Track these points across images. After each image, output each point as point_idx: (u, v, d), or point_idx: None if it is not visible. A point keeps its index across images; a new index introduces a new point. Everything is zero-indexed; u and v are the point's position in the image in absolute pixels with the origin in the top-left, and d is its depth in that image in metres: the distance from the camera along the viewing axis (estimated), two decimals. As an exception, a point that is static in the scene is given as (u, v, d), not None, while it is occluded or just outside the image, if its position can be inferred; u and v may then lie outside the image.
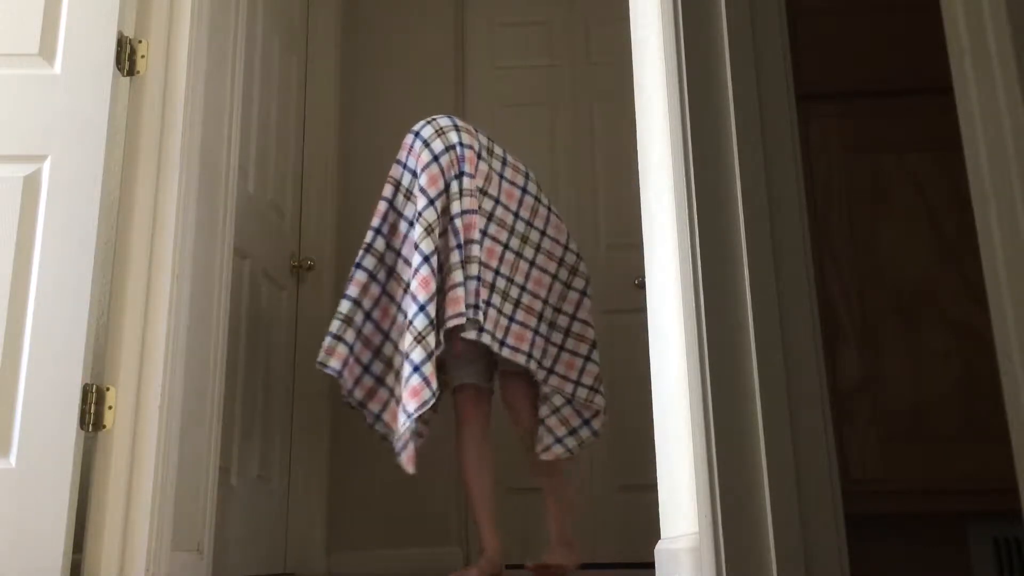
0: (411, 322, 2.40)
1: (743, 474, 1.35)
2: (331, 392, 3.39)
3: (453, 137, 2.58)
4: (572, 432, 2.66)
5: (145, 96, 2.13)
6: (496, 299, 2.53)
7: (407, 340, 2.40)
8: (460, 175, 2.55)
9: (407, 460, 2.43)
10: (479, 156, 2.60)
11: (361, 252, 2.56)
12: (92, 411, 1.92)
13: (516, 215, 2.64)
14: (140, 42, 2.16)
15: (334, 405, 3.40)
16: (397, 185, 2.62)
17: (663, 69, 1.73)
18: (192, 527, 2.14)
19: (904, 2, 1.55)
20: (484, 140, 2.68)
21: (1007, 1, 0.77)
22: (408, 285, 2.48)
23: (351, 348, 2.50)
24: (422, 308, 2.40)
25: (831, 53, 1.54)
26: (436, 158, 2.54)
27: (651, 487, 2.33)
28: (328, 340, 2.49)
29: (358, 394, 2.55)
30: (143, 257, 2.05)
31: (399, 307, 2.55)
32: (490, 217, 2.58)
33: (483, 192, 2.58)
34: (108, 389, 1.96)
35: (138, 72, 2.14)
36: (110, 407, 1.95)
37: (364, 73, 3.80)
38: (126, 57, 2.13)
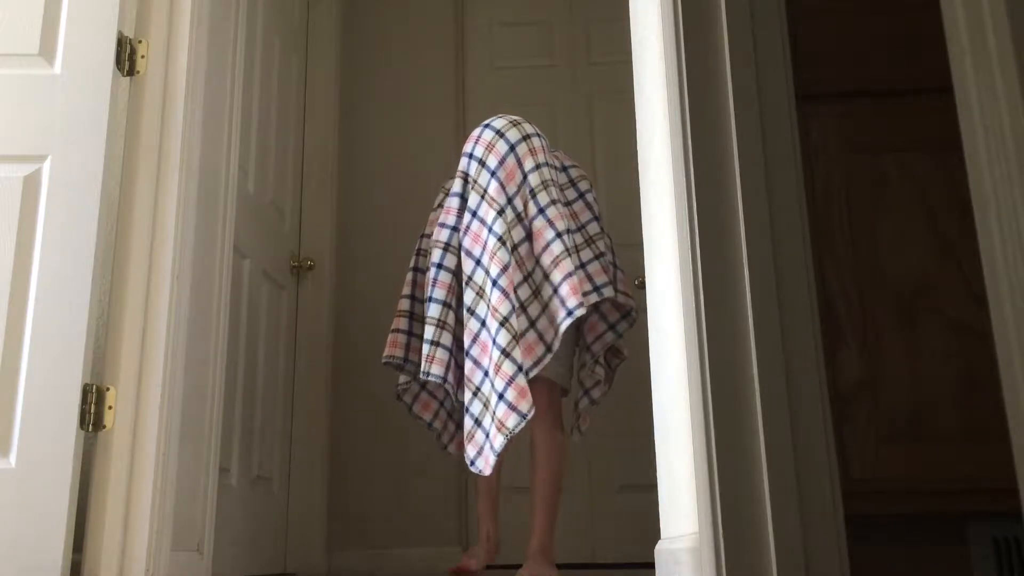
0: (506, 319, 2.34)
1: (743, 474, 1.35)
2: (331, 392, 3.40)
3: (528, 128, 2.62)
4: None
5: (145, 96, 2.13)
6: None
7: (502, 337, 2.30)
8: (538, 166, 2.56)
9: (489, 463, 2.32)
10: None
11: (440, 252, 2.51)
12: (92, 411, 1.92)
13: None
14: (140, 42, 2.16)
15: (334, 405, 3.40)
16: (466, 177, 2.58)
17: (663, 69, 1.73)
18: (192, 527, 2.14)
19: (904, 2, 1.55)
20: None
21: (1007, 1, 0.77)
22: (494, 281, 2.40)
23: (450, 351, 2.46)
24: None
25: (831, 53, 1.54)
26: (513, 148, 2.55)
27: (651, 487, 2.33)
28: (427, 347, 2.43)
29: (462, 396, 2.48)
30: (143, 257, 2.05)
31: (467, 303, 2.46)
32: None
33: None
34: (108, 389, 1.96)
35: (138, 72, 2.14)
36: (110, 407, 1.95)
37: (364, 73, 3.80)
38: (126, 57, 2.13)
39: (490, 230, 2.42)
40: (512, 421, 2.23)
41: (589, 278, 2.45)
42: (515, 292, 2.35)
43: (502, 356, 2.27)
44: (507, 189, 2.46)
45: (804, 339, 1.39)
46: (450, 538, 3.37)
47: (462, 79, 3.86)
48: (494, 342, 2.30)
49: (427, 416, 2.70)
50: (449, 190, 2.65)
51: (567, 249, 2.40)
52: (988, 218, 0.81)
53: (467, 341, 2.37)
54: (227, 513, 2.49)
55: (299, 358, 3.27)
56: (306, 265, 3.38)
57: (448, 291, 2.47)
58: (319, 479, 3.28)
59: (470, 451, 2.33)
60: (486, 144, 2.55)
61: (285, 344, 3.18)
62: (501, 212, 2.42)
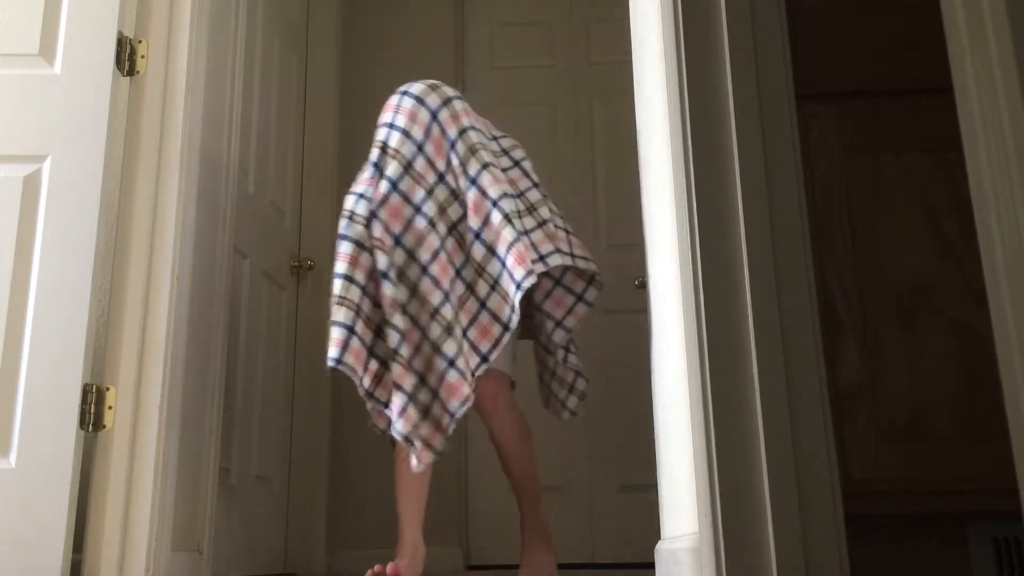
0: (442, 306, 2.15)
1: (743, 474, 1.35)
2: (331, 392, 3.40)
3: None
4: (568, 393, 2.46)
5: (145, 96, 2.13)
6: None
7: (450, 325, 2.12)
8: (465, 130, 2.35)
9: (422, 457, 2.07)
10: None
11: (344, 222, 2.22)
12: (92, 411, 1.92)
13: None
14: (140, 42, 2.16)
15: (334, 405, 3.40)
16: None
17: (663, 69, 1.73)
18: (192, 527, 2.14)
19: (904, 2, 1.55)
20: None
21: (1007, 1, 0.77)
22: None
23: (351, 331, 2.12)
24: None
25: (831, 53, 1.54)
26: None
27: (651, 487, 2.33)
28: (335, 330, 2.11)
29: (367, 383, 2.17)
30: (143, 257, 2.05)
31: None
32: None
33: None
34: (108, 389, 1.96)
35: (138, 72, 2.14)
36: (110, 407, 1.95)
37: (364, 73, 3.80)
38: (126, 57, 2.13)
39: (418, 211, 2.20)
40: (446, 420, 2.11)
41: (533, 247, 2.20)
42: (458, 276, 2.20)
43: (431, 350, 2.12)
44: (436, 164, 2.27)
45: (804, 339, 1.39)
46: (450, 538, 3.37)
47: (462, 79, 3.86)
48: (425, 335, 2.13)
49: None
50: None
51: (506, 216, 2.20)
52: (988, 218, 0.81)
53: (401, 324, 2.12)
54: (227, 513, 2.49)
55: (299, 358, 3.27)
56: (306, 265, 3.38)
57: (351, 264, 2.17)
58: (319, 479, 3.28)
59: (412, 440, 2.07)
60: (408, 114, 2.31)
61: (285, 344, 3.18)
62: (431, 192, 2.23)
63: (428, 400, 2.11)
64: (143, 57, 2.15)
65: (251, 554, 2.75)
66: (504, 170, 2.38)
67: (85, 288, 1.93)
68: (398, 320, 2.11)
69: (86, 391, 1.91)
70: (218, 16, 2.39)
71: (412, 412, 2.07)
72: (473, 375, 2.14)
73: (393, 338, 2.10)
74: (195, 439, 2.17)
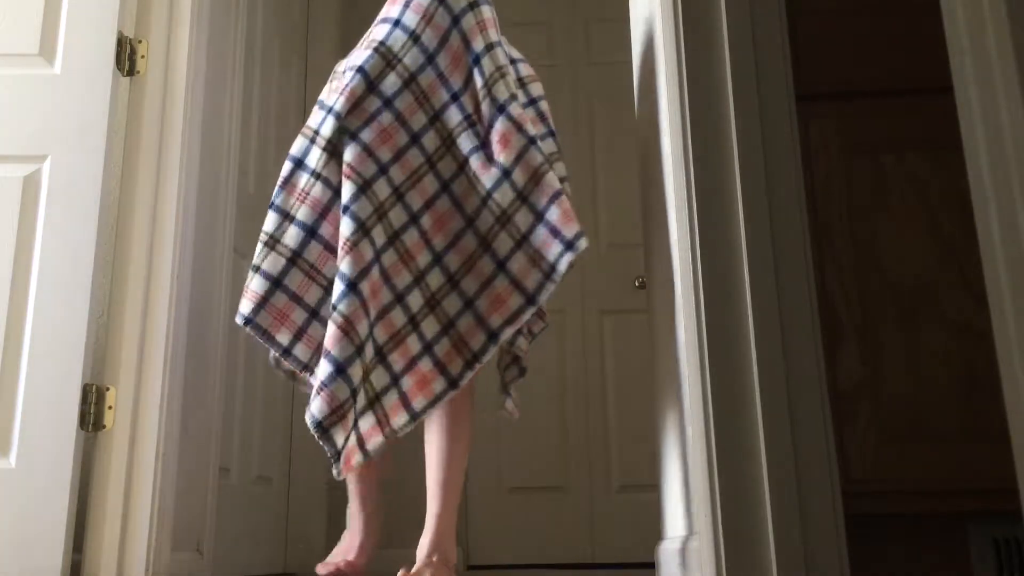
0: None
1: (743, 474, 1.35)
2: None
3: None
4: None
5: (145, 96, 2.13)
6: None
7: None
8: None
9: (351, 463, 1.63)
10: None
11: (304, 144, 1.82)
12: (92, 411, 1.92)
13: None
14: (140, 42, 2.16)
15: (334, 405, 3.40)
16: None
17: (663, 69, 1.72)
18: (192, 527, 2.14)
19: (904, 2, 1.55)
20: None
21: (1007, 1, 0.77)
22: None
23: (277, 284, 1.72)
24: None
25: (831, 53, 1.54)
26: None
27: (651, 487, 2.34)
28: (254, 280, 1.76)
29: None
30: (143, 257, 2.05)
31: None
32: None
33: None
34: (108, 389, 1.96)
35: (138, 72, 2.14)
36: (110, 407, 1.95)
37: (364, 73, 3.80)
38: (126, 57, 2.13)
39: (415, 141, 1.69)
40: (401, 419, 1.61)
41: None
42: (469, 227, 1.69)
43: (409, 325, 1.62)
44: (451, 82, 1.75)
45: (804, 339, 1.39)
46: (450, 538, 3.37)
47: (462, 79, 3.86)
48: (400, 300, 1.63)
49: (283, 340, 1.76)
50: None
51: (547, 160, 1.72)
52: (988, 218, 0.81)
53: (349, 272, 1.60)
54: (227, 513, 2.49)
55: (299, 358, 3.27)
56: (306, 265, 3.38)
57: (298, 198, 1.72)
58: (319, 479, 3.28)
59: (338, 433, 1.59)
60: (422, 11, 1.79)
61: (285, 344, 3.17)
62: (435, 119, 1.72)
63: (385, 385, 1.60)
64: (143, 57, 2.15)
65: (251, 554, 2.75)
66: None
67: (85, 288, 1.93)
68: (349, 267, 1.57)
69: (86, 391, 1.91)
70: (218, 16, 2.39)
71: (339, 392, 1.54)
72: (473, 363, 1.65)
73: (337, 287, 1.59)
74: (195, 439, 2.17)
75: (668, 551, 1.80)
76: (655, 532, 2.13)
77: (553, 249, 1.65)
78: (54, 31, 2.08)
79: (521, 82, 1.98)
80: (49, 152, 2.00)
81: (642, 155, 2.25)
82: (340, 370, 1.54)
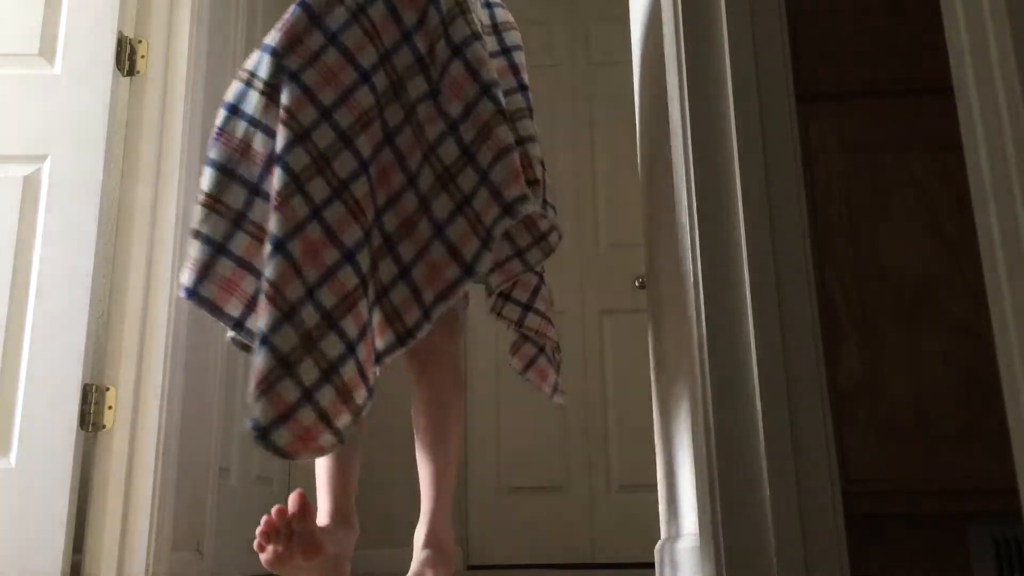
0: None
1: (743, 474, 1.35)
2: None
3: None
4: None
5: (145, 96, 2.13)
6: None
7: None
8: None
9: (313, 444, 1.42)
10: None
11: (239, 88, 1.53)
12: (92, 411, 1.92)
13: None
14: (140, 42, 2.16)
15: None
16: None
17: (663, 69, 1.72)
18: (192, 527, 2.14)
19: (904, 2, 1.55)
20: None
21: (1007, 1, 0.77)
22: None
23: (217, 247, 1.48)
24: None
25: (831, 53, 1.54)
26: None
27: (651, 487, 2.34)
28: (196, 247, 1.50)
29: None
30: (143, 257, 2.05)
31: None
32: None
33: None
34: (108, 389, 1.96)
35: (138, 72, 2.14)
36: (110, 407, 1.95)
37: (364, 73, 3.80)
38: (126, 57, 2.13)
39: (365, 79, 1.45)
40: (360, 396, 1.38)
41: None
42: (409, 185, 1.47)
43: (360, 287, 1.38)
44: (404, 18, 1.52)
45: (804, 339, 1.39)
46: (450, 538, 3.37)
47: (462, 79, 3.86)
48: (350, 259, 1.38)
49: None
50: None
51: (501, 111, 1.51)
52: (988, 218, 0.81)
53: (277, 230, 1.35)
54: (227, 513, 2.49)
55: (299, 358, 3.27)
56: (306, 265, 3.38)
57: (237, 150, 1.46)
58: (319, 479, 3.28)
59: (263, 408, 1.32)
60: None
61: (285, 344, 3.17)
62: (387, 57, 1.49)
63: (340, 354, 1.35)
64: (143, 57, 2.15)
65: (251, 554, 2.75)
66: (491, 55, 1.64)
67: (85, 288, 1.93)
68: (277, 226, 1.34)
69: (86, 391, 1.91)
70: (218, 16, 2.39)
71: (271, 364, 1.30)
72: (406, 339, 1.43)
73: (265, 251, 1.36)
74: (195, 439, 2.17)
75: (668, 551, 1.80)
76: (655, 532, 2.13)
77: (491, 213, 1.45)
78: (54, 31, 2.08)
79: (496, 28, 1.74)
80: (49, 152, 2.00)
81: (642, 155, 2.25)
82: (263, 340, 1.31)
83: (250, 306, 1.47)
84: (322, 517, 1.62)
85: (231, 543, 2.54)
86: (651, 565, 2.02)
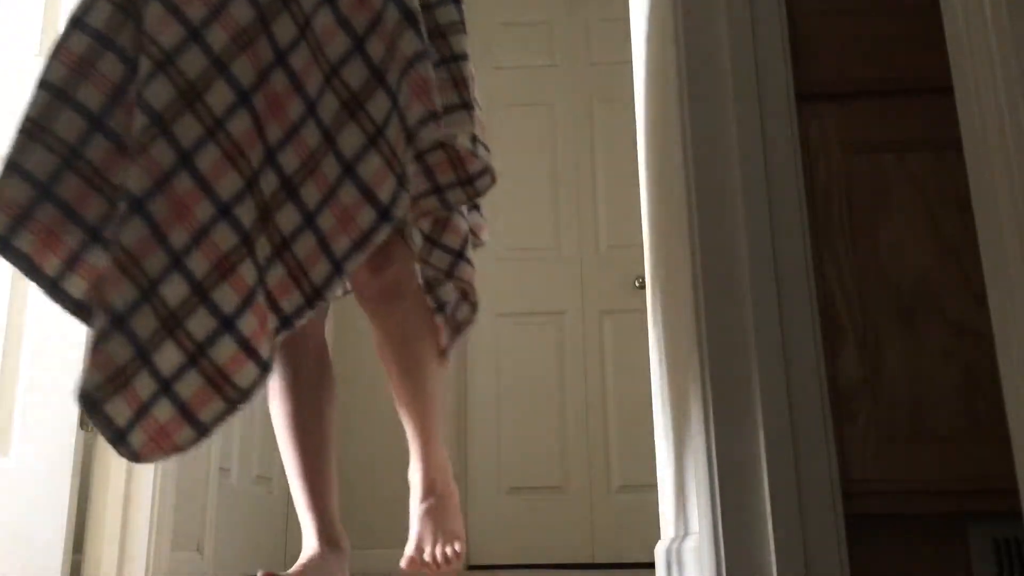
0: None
1: (743, 474, 1.35)
2: (331, 392, 3.39)
3: None
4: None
5: (145, 96, 2.14)
6: None
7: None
8: None
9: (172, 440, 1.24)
10: None
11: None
12: (92, 411, 1.92)
13: None
14: (140, 42, 2.16)
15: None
16: None
17: (664, 69, 1.73)
18: (192, 527, 2.14)
19: (904, 2, 1.55)
20: None
21: (1007, 1, 0.77)
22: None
23: (65, 210, 1.21)
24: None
25: (831, 53, 1.54)
26: None
27: (651, 487, 2.34)
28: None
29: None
30: (143, 257, 2.05)
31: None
32: None
33: None
34: (108, 389, 1.96)
35: (138, 72, 2.15)
36: (110, 407, 1.95)
37: (364, 73, 3.80)
38: (126, 57, 2.13)
39: None
40: (248, 375, 1.16)
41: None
42: (310, 115, 1.21)
43: (242, 247, 1.15)
44: None
45: (804, 339, 1.39)
46: (450, 538, 3.37)
47: (462, 79, 3.86)
48: (227, 213, 1.15)
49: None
50: None
51: (408, 15, 1.25)
52: (988, 218, 0.81)
53: (134, 186, 1.13)
54: (227, 513, 2.49)
55: (299, 358, 3.27)
56: (306, 265, 3.38)
57: (75, 70, 1.18)
58: (319, 479, 3.28)
59: (117, 407, 1.14)
60: None
61: (285, 344, 3.17)
62: None
63: (212, 330, 1.13)
64: (143, 57, 2.15)
65: (251, 554, 2.75)
66: None
67: (85, 288, 1.93)
68: (134, 180, 1.12)
69: (86, 391, 1.92)
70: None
71: (117, 352, 1.11)
72: (314, 299, 1.21)
73: (119, 211, 1.14)
74: (195, 439, 2.17)
75: (667, 551, 1.81)
76: (655, 532, 2.13)
77: (399, 141, 1.21)
78: (54, 31, 2.08)
79: (440, 31, 1.41)
80: (49, 152, 2.00)
81: (642, 155, 2.25)
82: (118, 322, 1.10)
83: (70, 265, 1.20)
84: (310, 538, 1.49)
85: (231, 543, 2.54)
86: (651, 565, 2.02)
